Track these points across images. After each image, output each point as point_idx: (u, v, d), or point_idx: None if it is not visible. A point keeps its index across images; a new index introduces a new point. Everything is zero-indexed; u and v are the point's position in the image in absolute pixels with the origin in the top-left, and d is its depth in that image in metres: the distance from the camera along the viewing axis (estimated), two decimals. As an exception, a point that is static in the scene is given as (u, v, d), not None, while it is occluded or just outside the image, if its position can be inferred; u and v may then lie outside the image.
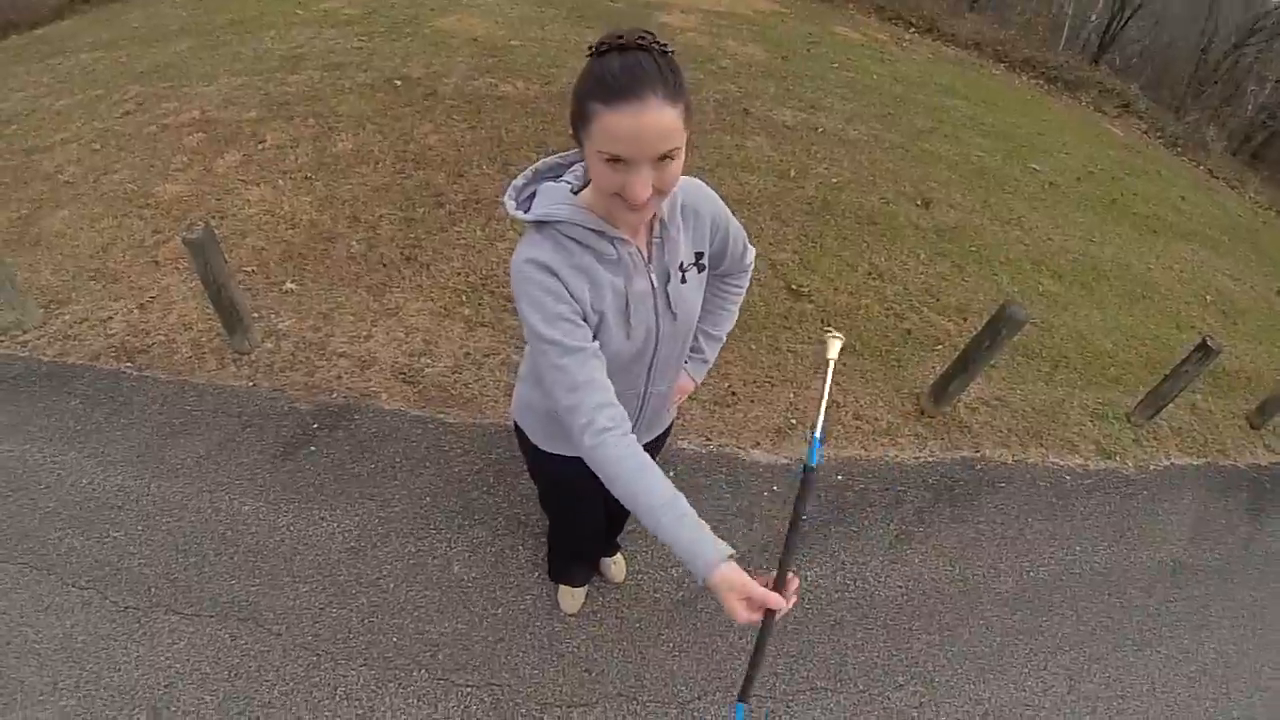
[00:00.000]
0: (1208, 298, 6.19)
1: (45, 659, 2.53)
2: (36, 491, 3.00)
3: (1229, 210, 8.91)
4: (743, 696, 1.22)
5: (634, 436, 1.29)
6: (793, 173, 5.91)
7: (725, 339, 1.92)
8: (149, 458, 3.16)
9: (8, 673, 2.48)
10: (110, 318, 3.80)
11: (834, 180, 5.98)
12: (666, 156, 1.13)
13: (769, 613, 1.18)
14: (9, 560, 2.77)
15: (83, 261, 4.16)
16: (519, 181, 1.37)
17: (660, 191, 1.19)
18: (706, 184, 1.48)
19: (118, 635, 2.60)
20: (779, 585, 1.19)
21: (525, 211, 1.33)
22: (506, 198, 1.36)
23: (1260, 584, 3.74)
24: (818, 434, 1.28)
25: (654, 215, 1.35)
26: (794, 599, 1.21)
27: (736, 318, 1.89)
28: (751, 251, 1.72)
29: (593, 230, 1.29)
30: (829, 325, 4.38)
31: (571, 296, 1.30)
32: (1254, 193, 9.85)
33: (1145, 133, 10.92)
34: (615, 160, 1.12)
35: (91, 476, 3.07)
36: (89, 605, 2.67)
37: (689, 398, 2.97)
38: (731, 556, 1.18)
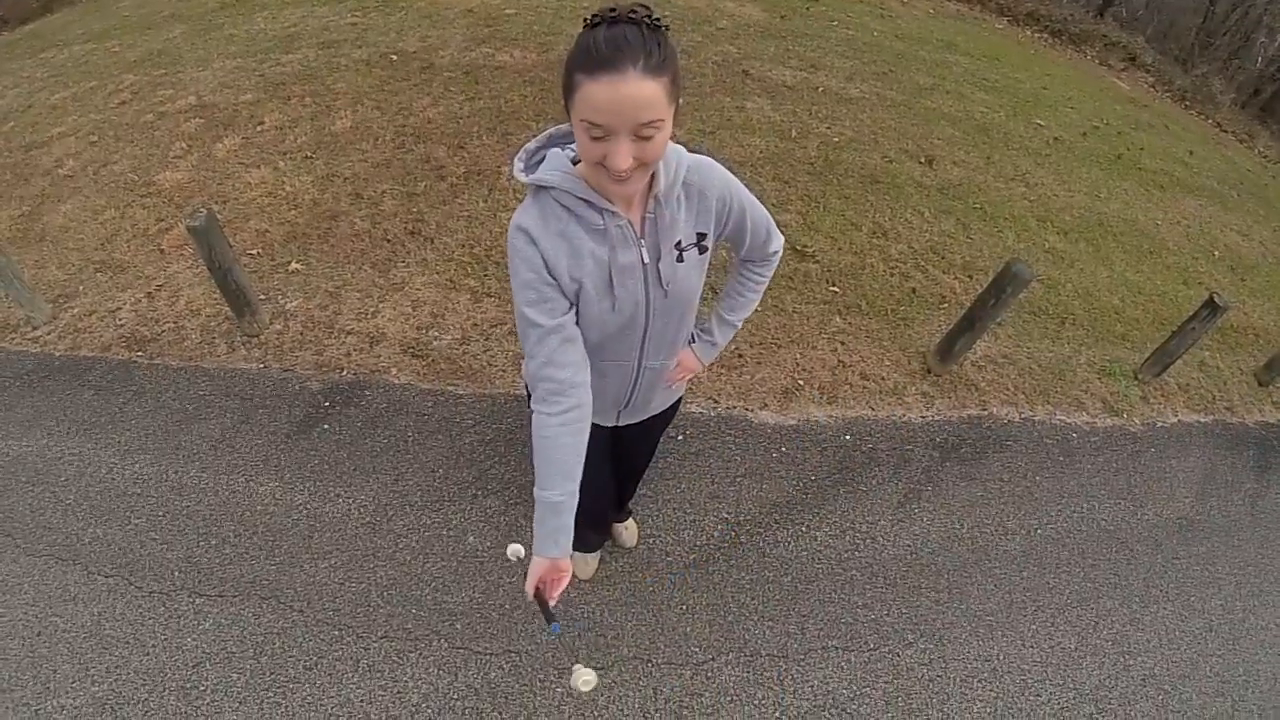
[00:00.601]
0: (1216, 253, 6.11)
1: (75, 647, 2.58)
2: (57, 484, 3.04)
3: (1237, 165, 8.77)
4: (549, 620, 1.47)
5: (576, 418, 1.43)
6: (794, 133, 5.82)
7: (740, 325, 1.90)
8: (165, 444, 3.20)
9: (40, 662, 2.55)
10: (119, 308, 3.81)
11: (835, 139, 5.88)
12: (648, 128, 1.14)
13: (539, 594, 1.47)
14: (35, 553, 2.83)
15: (88, 254, 4.17)
16: (531, 145, 1.40)
17: (643, 163, 1.19)
18: (720, 164, 1.47)
19: (144, 620, 2.66)
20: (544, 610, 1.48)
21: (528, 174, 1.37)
22: (516, 159, 1.39)
23: (1267, 541, 3.72)
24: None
25: (650, 190, 1.35)
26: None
27: (755, 306, 1.87)
28: (778, 241, 1.69)
29: (581, 199, 1.31)
30: (834, 284, 4.34)
31: (547, 265, 1.35)
32: (1263, 147, 9.71)
33: (1152, 86, 10.74)
34: (597, 129, 1.14)
35: (110, 466, 3.11)
36: (115, 592, 2.72)
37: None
38: (555, 558, 1.46)
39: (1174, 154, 7.95)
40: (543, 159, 1.38)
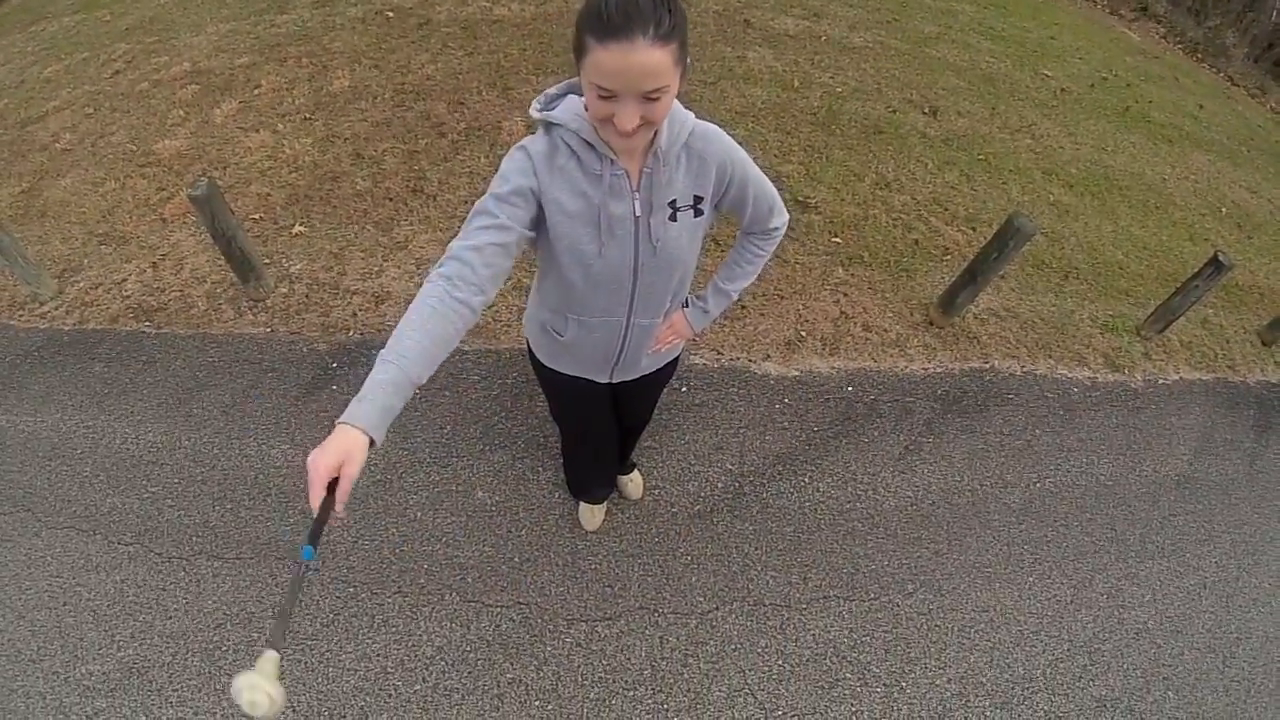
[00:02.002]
0: (1223, 210, 6.04)
1: (101, 615, 2.64)
2: (73, 457, 3.07)
3: (1248, 120, 8.61)
4: (312, 540, 1.08)
5: (459, 298, 1.27)
6: (796, 83, 5.71)
7: (736, 297, 1.90)
8: (176, 412, 3.22)
9: (68, 631, 2.60)
10: (124, 280, 3.80)
11: (838, 89, 5.77)
12: (655, 92, 1.16)
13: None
14: (56, 526, 2.87)
15: (91, 227, 4.14)
16: (552, 90, 1.42)
17: (649, 122, 1.22)
18: (727, 133, 1.48)
19: (166, 585, 2.71)
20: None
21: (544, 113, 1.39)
22: (536, 100, 1.40)
23: (1263, 501, 3.74)
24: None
25: (652, 146, 1.37)
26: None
27: (753, 280, 1.86)
28: (781, 218, 1.70)
29: (586, 141, 1.34)
30: (837, 236, 4.28)
31: (538, 185, 1.36)
32: (1275, 102, 9.53)
33: (1163, 38, 10.52)
34: (605, 92, 1.16)
35: (124, 437, 3.14)
36: (135, 560, 2.77)
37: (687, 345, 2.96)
38: (369, 438, 1.11)
39: (1184, 107, 7.82)
40: (561, 104, 1.39)
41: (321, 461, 1.06)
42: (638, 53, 1.10)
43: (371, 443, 1.12)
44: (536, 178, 1.36)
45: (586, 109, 1.32)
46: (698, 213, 1.49)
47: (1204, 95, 8.58)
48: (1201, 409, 4.06)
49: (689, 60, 1.22)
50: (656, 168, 1.39)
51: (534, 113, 1.38)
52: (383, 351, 1.21)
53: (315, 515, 1.09)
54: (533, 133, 1.41)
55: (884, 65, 6.37)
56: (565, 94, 1.41)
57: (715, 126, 1.46)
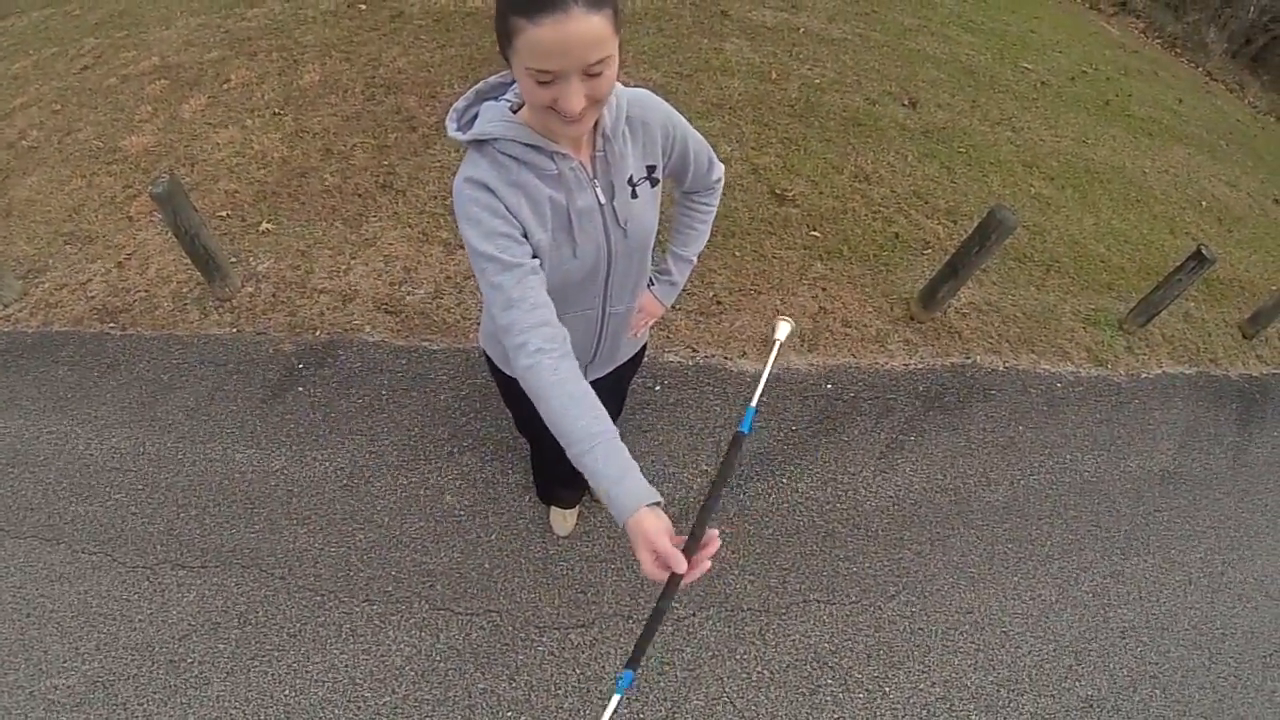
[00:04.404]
0: (1203, 203, 6.04)
1: (65, 626, 2.57)
2: (36, 464, 2.99)
3: (1227, 115, 8.66)
4: (631, 663, 1.04)
5: (573, 360, 1.20)
6: (774, 75, 5.64)
7: (696, 260, 1.83)
8: (141, 416, 3.14)
9: (31, 644, 2.53)
10: (89, 280, 3.70)
11: (817, 81, 5.71)
12: (598, 65, 1.06)
13: (673, 576, 1.02)
14: (18, 535, 2.79)
15: (56, 226, 4.04)
16: (460, 104, 1.31)
17: (595, 101, 1.12)
18: (656, 94, 1.41)
19: (130, 596, 2.64)
20: (691, 548, 1.04)
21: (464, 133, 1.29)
22: (449, 120, 1.31)
23: (1247, 495, 3.72)
24: (753, 404, 1.26)
25: (596, 129, 1.29)
26: (705, 565, 1.05)
27: (707, 238, 1.79)
28: (719, 169, 1.63)
29: (530, 146, 1.24)
30: (815, 229, 4.21)
31: (509, 213, 1.25)
32: (1253, 97, 9.59)
33: (1143, 32, 10.54)
34: (544, 75, 1.05)
35: (87, 442, 3.06)
36: (99, 569, 2.70)
37: (659, 321, 2.89)
38: (657, 504, 1.06)
39: (1163, 102, 7.83)
40: (475, 116, 1.29)
41: (653, 562, 1.02)
42: (574, 21, 1.00)
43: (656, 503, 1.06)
44: (504, 204, 1.25)
45: (513, 107, 1.26)
46: (654, 182, 1.43)
47: (1183, 90, 8.60)
48: (1184, 403, 4.03)
49: (621, 31, 1.11)
50: (608, 149, 1.31)
51: (456, 135, 1.27)
52: (578, 446, 1.11)
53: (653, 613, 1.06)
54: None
55: (863, 57, 6.30)
56: (475, 104, 1.31)
57: (641, 89, 1.38)
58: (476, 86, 1.31)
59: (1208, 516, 3.54)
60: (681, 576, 1.02)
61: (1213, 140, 7.44)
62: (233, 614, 2.58)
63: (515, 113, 1.26)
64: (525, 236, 1.28)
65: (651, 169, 1.41)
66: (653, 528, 1.02)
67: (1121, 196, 5.61)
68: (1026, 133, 5.95)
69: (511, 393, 1.90)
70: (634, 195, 1.38)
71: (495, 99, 1.31)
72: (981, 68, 6.82)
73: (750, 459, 3.14)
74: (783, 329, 1.58)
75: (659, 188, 1.45)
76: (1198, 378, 4.23)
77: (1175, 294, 4.08)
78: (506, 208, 1.25)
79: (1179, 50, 10.22)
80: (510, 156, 1.26)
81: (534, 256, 1.29)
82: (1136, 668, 2.93)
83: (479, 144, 1.27)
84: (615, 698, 0.98)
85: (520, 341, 1.19)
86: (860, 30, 6.80)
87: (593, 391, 1.16)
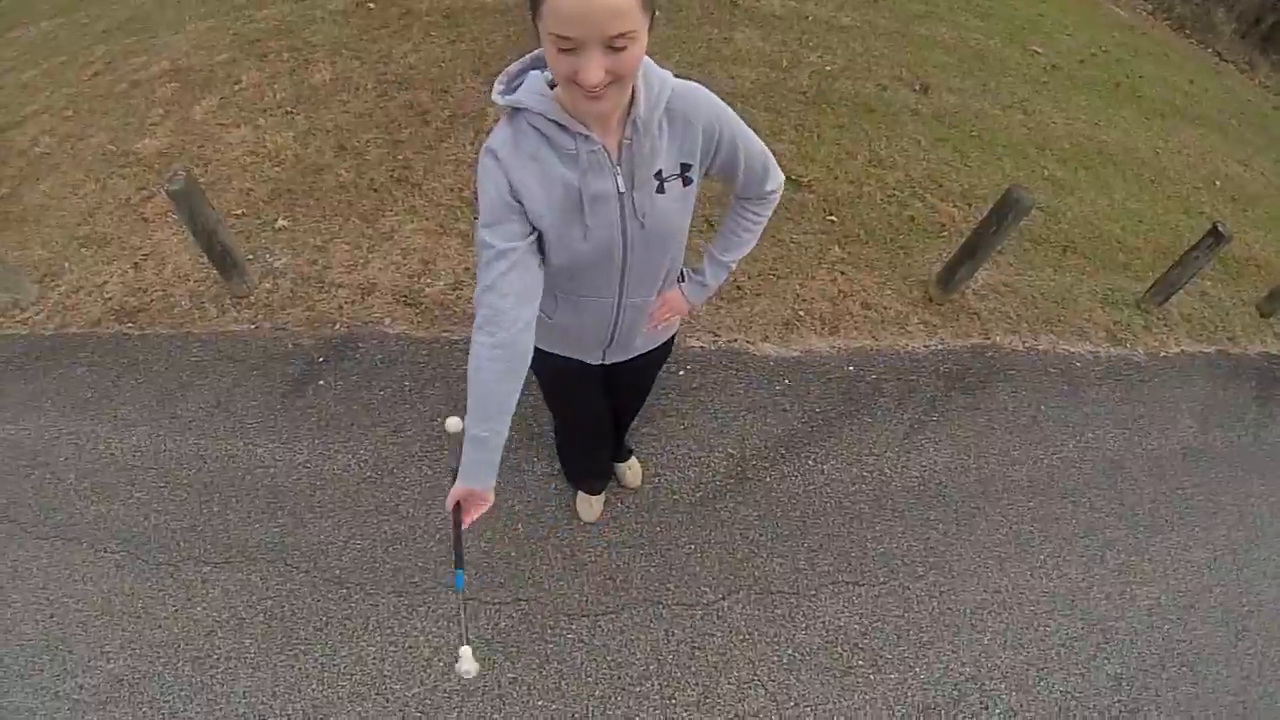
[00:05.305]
0: (1217, 183, 5.99)
1: (89, 626, 2.56)
2: (57, 465, 2.98)
3: (1238, 95, 8.56)
4: (458, 563, 1.42)
5: (498, 341, 1.33)
6: (785, 63, 5.61)
7: (734, 267, 1.79)
8: (161, 415, 3.13)
9: (55, 644, 2.52)
10: (105, 282, 3.68)
11: (828, 69, 5.68)
12: (621, 39, 1.05)
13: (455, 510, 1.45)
14: (41, 535, 2.78)
15: (71, 230, 4.02)
16: (513, 68, 1.32)
17: (618, 78, 1.11)
18: (710, 90, 1.37)
19: (154, 593, 2.63)
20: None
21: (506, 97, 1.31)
22: (497, 82, 1.31)
23: (1270, 471, 3.70)
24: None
25: (629, 115, 1.26)
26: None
27: (751, 248, 1.75)
28: (776, 180, 1.59)
29: (553, 121, 1.24)
30: (832, 214, 4.20)
31: (512, 187, 1.29)
32: (1264, 77, 9.48)
33: (1151, 13, 10.41)
34: (565, 41, 1.06)
35: (108, 442, 3.04)
36: (123, 568, 2.69)
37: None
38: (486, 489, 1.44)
39: (1174, 83, 7.76)
40: (523, 83, 1.29)
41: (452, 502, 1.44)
42: None
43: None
44: (507, 177, 1.29)
45: (552, 82, 1.25)
46: (686, 181, 1.39)
47: (1193, 71, 8.53)
48: (1204, 381, 4.01)
49: (657, 12, 1.12)
50: (637, 138, 1.28)
51: (497, 98, 1.29)
52: (471, 426, 1.38)
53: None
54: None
55: (872, 44, 6.27)
56: (527, 70, 1.31)
57: (697, 84, 1.35)
58: (533, 53, 1.31)
59: (1230, 494, 3.52)
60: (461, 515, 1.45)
61: (1224, 121, 7.37)
62: (258, 609, 2.57)
63: (553, 88, 1.26)
64: (527, 213, 1.32)
65: (686, 167, 1.38)
66: (464, 493, 1.42)
67: (1135, 177, 5.57)
68: (1038, 115, 5.90)
69: (540, 363, 1.87)
70: (660, 190, 1.36)
71: (543, 70, 1.30)
72: (991, 52, 6.77)
73: (775, 442, 3.14)
74: (453, 423, 1.56)
75: (693, 188, 1.42)
76: (1216, 356, 4.20)
77: (1192, 272, 4.06)
78: (511, 182, 1.28)
79: (1188, 31, 10.10)
80: (535, 129, 1.27)
81: (534, 233, 1.34)
82: (1164, 646, 2.91)
83: (513, 112, 1.28)
84: (461, 598, 1.39)
85: (481, 319, 1.34)
86: (868, 17, 6.75)
87: (505, 392, 1.37)
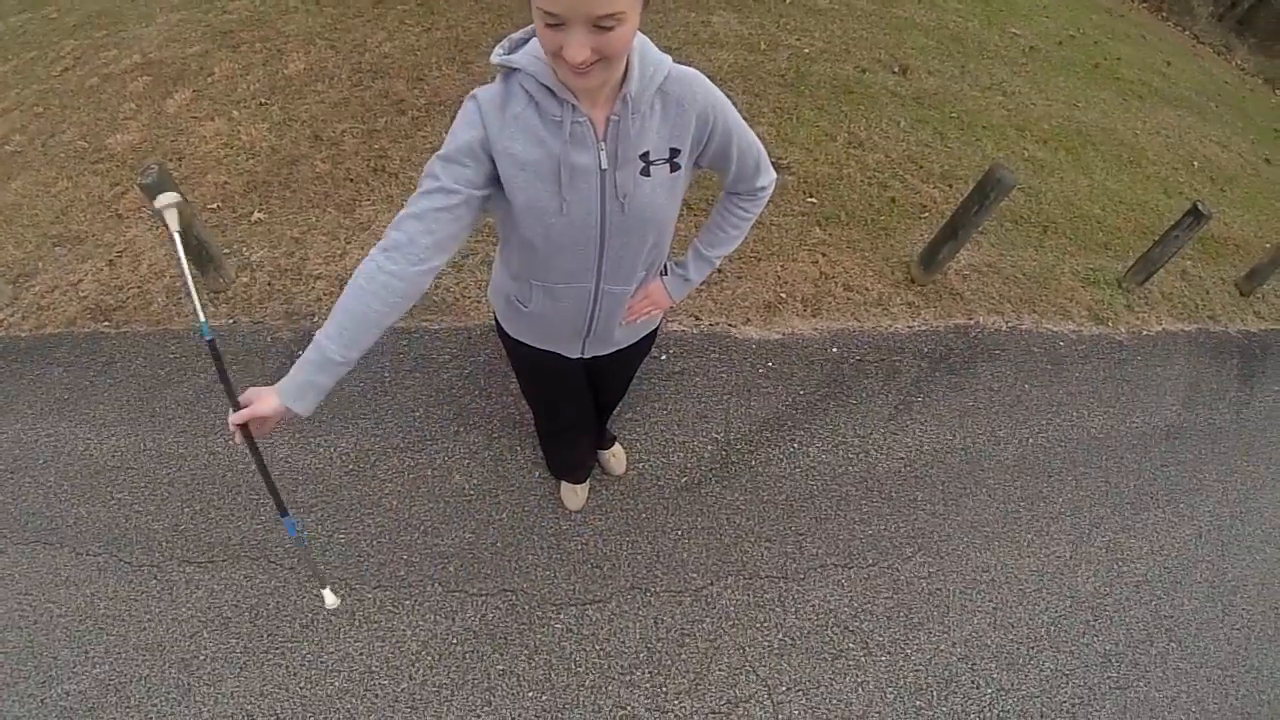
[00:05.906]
0: (1195, 164, 6.04)
1: (73, 631, 2.51)
2: (36, 468, 2.91)
3: (1215, 77, 8.65)
4: (282, 511, 1.45)
5: (391, 270, 1.29)
6: (763, 45, 5.58)
7: (717, 264, 1.75)
8: (140, 413, 3.05)
9: (40, 650, 2.46)
10: (80, 280, 3.59)
11: (806, 51, 5.65)
12: (608, 19, 1.05)
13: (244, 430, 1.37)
14: (22, 541, 2.72)
15: (44, 229, 3.93)
16: (517, 35, 1.30)
17: (604, 58, 1.11)
18: (709, 79, 1.35)
19: (138, 596, 2.58)
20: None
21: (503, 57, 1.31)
22: (499, 45, 1.29)
23: (1251, 449, 3.73)
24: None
25: (620, 91, 1.25)
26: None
27: (737, 245, 1.71)
28: (768, 177, 1.57)
29: (544, 85, 1.23)
30: (812, 195, 4.17)
31: (487, 138, 1.27)
32: (1240, 60, 9.57)
33: (1128, -4, 10.52)
34: (551, 17, 1.06)
35: (86, 443, 2.97)
36: (105, 571, 2.63)
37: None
38: (291, 409, 1.37)
39: (1151, 64, 7.82)
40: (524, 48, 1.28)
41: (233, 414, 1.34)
42: None
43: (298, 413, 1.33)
44: (485, 129, 1.26)
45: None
46: (674, 167, 1.35)
47: (1171, 53, 8.59)
48: (1186, 359, 4.03)
49: None
50: (625, 115, 1.26)
51: (494, 58, 1.27)
52: (325, 341, 1.30)
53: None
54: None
55: (851, 26, 6.26)
56: (530, 36, 1.27)
57: (696, 71, 1.32)
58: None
59: (1214, 470, 3.55)
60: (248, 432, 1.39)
61: (1201, 102, 7.44)
62: (243, 608, 2.52)
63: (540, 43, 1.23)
64: (497, 174, 1.30)
65: (675, 153, 1.34)
66: (269, 407, 1.34)
67: (1114, 158, 5.59)
68: (1017, 97, 5.92)
69: (518, 354, 1.85)
70: (645, 173, 1.33)
71: None
72: (969, 34, 6.78)
73: (759, 425, 3.11)
74: (164, 199, 1.55)
75: (681, 177, 1.38)
76: (1198, 334, 4.23)
77: (1173, 251, 4.07)
78: (488, 135, 1.27)
79: (1165, 14, 10.17)
80: (525, 91, 1.25)
81: (485, 192, 1.31)
82: (1152, 621, 2.93)
83: (507, 73, 1.27)
84: (300, 542, 1.51)
85: (390, 243, 1.29)
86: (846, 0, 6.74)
87: (355, 310, 1.30)
